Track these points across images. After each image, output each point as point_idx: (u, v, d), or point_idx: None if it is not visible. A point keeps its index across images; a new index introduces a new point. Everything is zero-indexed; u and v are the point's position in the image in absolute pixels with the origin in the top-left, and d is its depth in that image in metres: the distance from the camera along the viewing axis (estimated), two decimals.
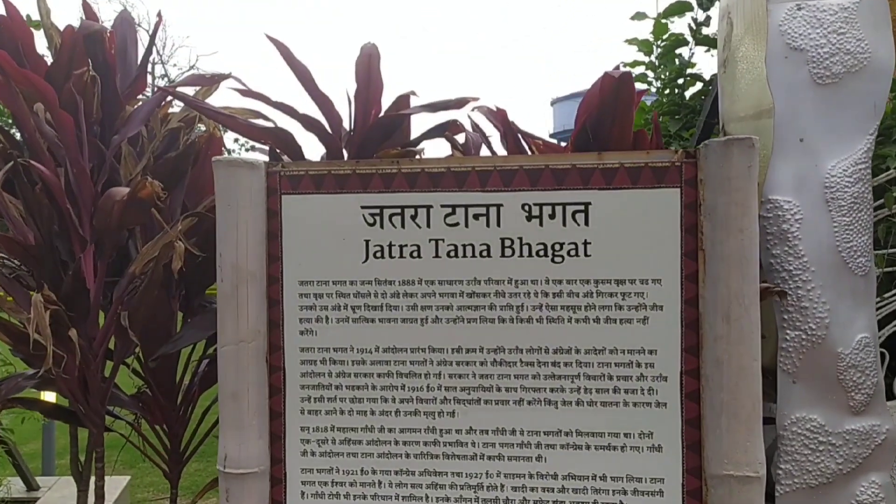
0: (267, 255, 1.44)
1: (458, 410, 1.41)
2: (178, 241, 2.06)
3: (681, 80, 3.54)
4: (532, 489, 1.40)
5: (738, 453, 1.27)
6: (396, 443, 1.43)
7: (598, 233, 1.37)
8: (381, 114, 2.31)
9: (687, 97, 3.44)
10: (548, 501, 1.39)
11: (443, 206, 1.41)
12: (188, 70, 20.49)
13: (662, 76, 3.66)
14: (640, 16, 3.70)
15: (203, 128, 2.86)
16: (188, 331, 2.30)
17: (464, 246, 1.41)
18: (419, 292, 1.42)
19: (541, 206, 1.38)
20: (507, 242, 1.39)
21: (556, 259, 1.38)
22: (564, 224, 1.38)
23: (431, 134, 2.27)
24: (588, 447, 1.38)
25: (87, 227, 2.17)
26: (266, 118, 2.45)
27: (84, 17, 2.51)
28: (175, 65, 20.23)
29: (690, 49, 3.43)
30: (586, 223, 1.37)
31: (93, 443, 2.25)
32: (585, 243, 1.38)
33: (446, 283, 1.41)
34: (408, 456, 1.43)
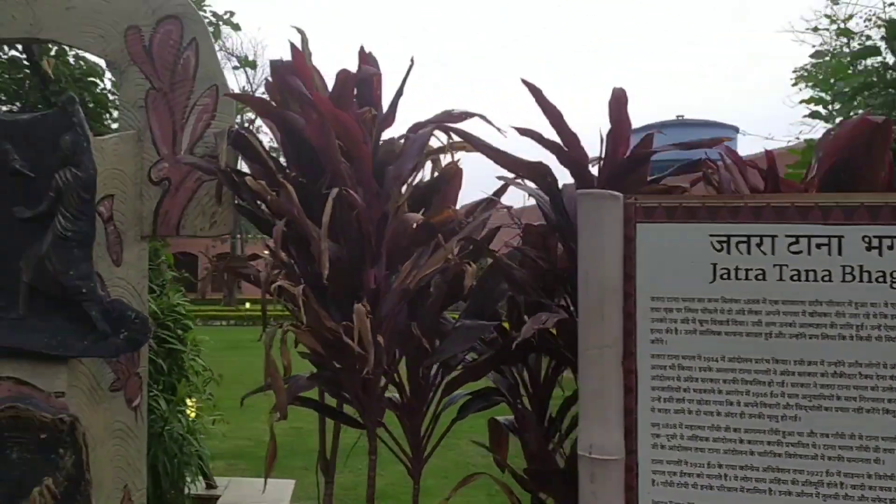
0: (623, 274, 1.68)
1: (800, 415, 1.61)
2: (467, 264, 2.34)
3: None
4: (870, 488, 1.57)
5: None
6: (741, 441, 1.63)
7: None
8: (629, 152, 2.56)
9: None
10: (885, 500, 1.56)
11: (787, 235, 1.62)
12: None
13: (837, 114, 3.81)
14: (819, 55, 3.90)
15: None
16: (449, 344, 2.56)
17: (806, 271, 1.61)
18: (763, 310, 1.63)
19: (880, 238, 1.58)
20: (848, 269, 1.59)
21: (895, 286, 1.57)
22: None
23: (685, 169, 2.50)
24: None
25: (377, 246, 2.47)
26: (499, 151, 2.73)
27: (360, 63, 2.85)
28: None
29: (877, 89, 3.57)
30: None
31: (369, 439, 2.53)
32: None
33: (789, 303, 1.62)
34: (752, 453, 1.63)
